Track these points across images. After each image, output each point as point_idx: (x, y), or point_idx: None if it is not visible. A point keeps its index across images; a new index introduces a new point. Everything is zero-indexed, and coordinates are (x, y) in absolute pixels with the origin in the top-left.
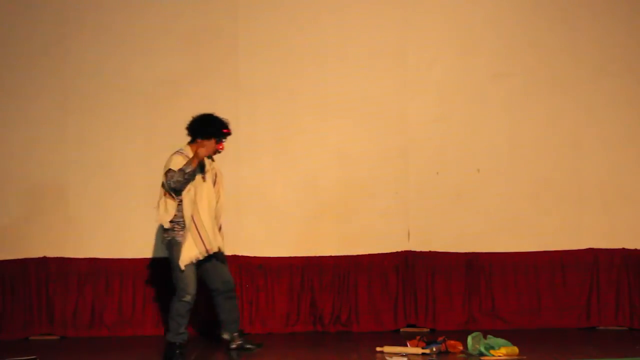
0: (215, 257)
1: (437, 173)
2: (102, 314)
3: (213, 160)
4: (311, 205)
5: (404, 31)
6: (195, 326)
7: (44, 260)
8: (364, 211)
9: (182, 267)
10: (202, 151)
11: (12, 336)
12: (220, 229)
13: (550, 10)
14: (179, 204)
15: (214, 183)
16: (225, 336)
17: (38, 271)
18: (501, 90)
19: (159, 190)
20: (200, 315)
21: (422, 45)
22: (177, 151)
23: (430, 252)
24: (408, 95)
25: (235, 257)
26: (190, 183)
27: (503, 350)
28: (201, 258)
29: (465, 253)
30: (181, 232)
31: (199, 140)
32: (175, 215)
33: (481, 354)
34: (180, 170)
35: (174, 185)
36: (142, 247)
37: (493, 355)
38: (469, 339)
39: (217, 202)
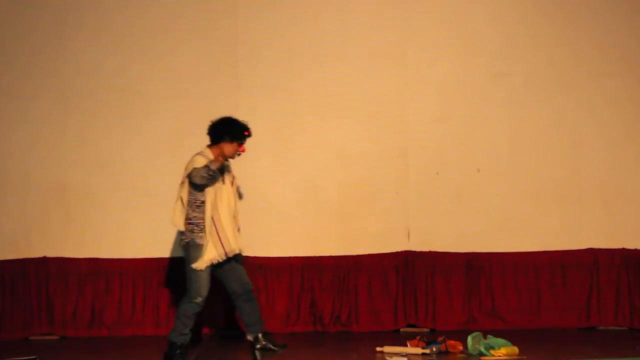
0: (234, 259)
1: (437, 173)
2: (102, 314)
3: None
4: (311, 205)
5: (404, 31)
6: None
7: (44, 260)
8: (364, 211)
9: (201, 268)
10: (229, 149)
11: (12, 336)
12: (238, 230)
13: (550, 10)
14: (199, 206)
15: (232, 184)
16: (250, 337)
17: (38, 271)
18: (501, 90)
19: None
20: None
21: (422, 45)
22: (198, 153)
23: (430, 252)
24: (408, 95)
25: None
26: (211, 186)
27: (503, 350)
28: (220, 261)
29: (465, 253)
30: (200, 234)
31: (220, 143)
32: (195, 217)
33: (481, 354)
34: (206, 166)
35: (200, 181)
36: (142, 247)
37: (493, 355)
38: (469, 339)
39: (235, 204)
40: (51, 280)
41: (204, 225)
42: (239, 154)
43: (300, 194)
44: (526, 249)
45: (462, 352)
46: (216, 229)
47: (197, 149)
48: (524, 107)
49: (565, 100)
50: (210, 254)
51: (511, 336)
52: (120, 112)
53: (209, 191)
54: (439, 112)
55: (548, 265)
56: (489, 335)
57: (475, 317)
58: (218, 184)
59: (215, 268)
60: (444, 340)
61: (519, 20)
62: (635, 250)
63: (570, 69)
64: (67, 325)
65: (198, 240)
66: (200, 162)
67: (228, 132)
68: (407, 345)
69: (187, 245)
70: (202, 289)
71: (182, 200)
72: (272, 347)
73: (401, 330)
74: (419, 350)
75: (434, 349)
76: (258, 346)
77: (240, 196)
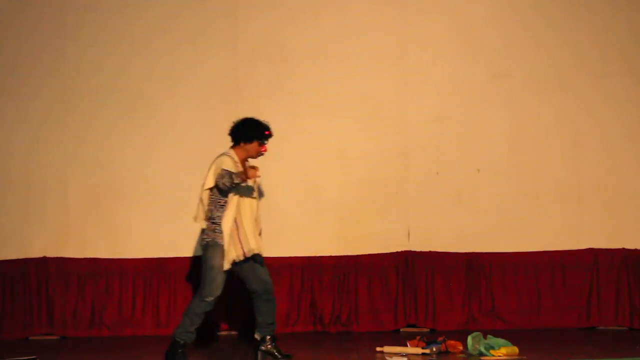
0: (254, 259)
1: (437, 173)
2: (102, 314)
3: (249, 161)
4: (311, 205)
5: (404, 31)
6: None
7: (44, 260)
8: (364, 211)
9: (226, 267)
10: (251, 149)
11: (12, 336)
12: (260, 232)
13: (550, 10)
14: (222, 206)
15: (253, 187)
16: (257, 336)
17: (38, 271)
18: (501, 90)
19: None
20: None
21: (422, 45)
22: (224, 153)
23: (430, 252)
24: (408, 95)
25: None
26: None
27: (503, 350)
28: (237, 260)
29: (465, 253)
30: (222, 235)
31: (242, 144)
32: (218, 216)
33: (481, 354)
34: (231, 175)
35: (221, 186)
36: (142, 247)
37: (493, 355)
38: (469, 339)
39: (257, 207)
40: (51, 280)
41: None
42: (261, 154)
43: (300, 194)
44: (526, 249)
45: (462, 352)
46: (237, 229)
47: (197, 148)
48: (524, 107)
49: (566, 100)
50: (229, 254)
51: (511, 336)
52: (120, 112)
53: (234, 192)
54: (439, 112)
55: (548, 265)
56: (489, 335)
57: (475, 317)
58: (242, 186)
59: (235, 267)
60: (444, 340)
61: (519, 20)
62: (635, 250)
63: (571, 69)
64: (67, 325)
65: (219, 241)
66: (227, 163)
67: (249, 132)
68: (407, 345)
69: (207, 245)
70: (216, 289)
71: (203, 199)
72: (277, 355)
73: (401, 330)
74: (419, 350)
75: (434, 349)
76: (263, 348)
77: (260, 194)
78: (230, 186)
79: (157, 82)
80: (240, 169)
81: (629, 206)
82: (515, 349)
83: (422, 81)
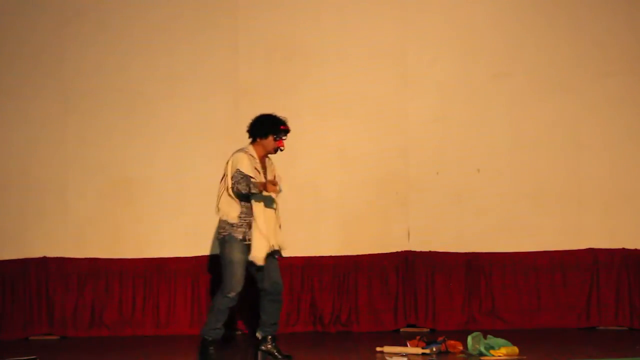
0: (271, 256)
1: (437, 173)
2: (102, 314)
3: (269, 158)
4: (311, 205)
5: (404, 31)
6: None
7: (44, 260)
8: (364, 211)
9: (261, 263)
10: (267, 144)
11: (12, 336)
12: (279, 227)
13: (551, 10)
14: (242, 201)
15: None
16: (259, 335)
17: (38, 271)
18: (501, 90)
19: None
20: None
21: (422, 45)
22: (242, 149)
23: (430, 252)
24: (408, 95)
25: None
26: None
27: (503, 350)
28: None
29: (465, 253)
30: (240, 229)
31: (258, 140)
32: (240, 211)
33: (481, 354)
34: (249, 183)
35: (236, 190)
36: (142, 247)
37: (493, 355)
38: (469, 339)
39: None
40: (51, 280)
41: (244, 221)
42: (279, 149)
43: (300, 194)
44: (526, 249)
45: (462, 352)
46: (257, 225)
47: (198, 149)
48: (524, 107)
49: (566, 100)
50: (253, 250)
51: (511, 336)
52: (121, 112)
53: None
54: (439, 112)
55: (548, 265)
56: (489, 335)
57: (475, 317)
58: (260, 180)
59: (250, 264)
60: (444, 340)
61: (519, 20)
62: (635, 250)
63: (571, 69)
64: (67, 325)
65: (235, 235)
66: (243, 160)
67: (263, 127)
68: (407, 345)
69: (224, 240)
70: (236, 284)
71: (226, 193)
72: (277, 355)
73: (401, 330)
74: (419, 350)
75: (434, 349)
76: (263, 347)
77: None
78: (247, 193)
79: (157, 82)
80: (258, 165)
81: (629, 206)
82: (515, 349)
83: (422, 81)
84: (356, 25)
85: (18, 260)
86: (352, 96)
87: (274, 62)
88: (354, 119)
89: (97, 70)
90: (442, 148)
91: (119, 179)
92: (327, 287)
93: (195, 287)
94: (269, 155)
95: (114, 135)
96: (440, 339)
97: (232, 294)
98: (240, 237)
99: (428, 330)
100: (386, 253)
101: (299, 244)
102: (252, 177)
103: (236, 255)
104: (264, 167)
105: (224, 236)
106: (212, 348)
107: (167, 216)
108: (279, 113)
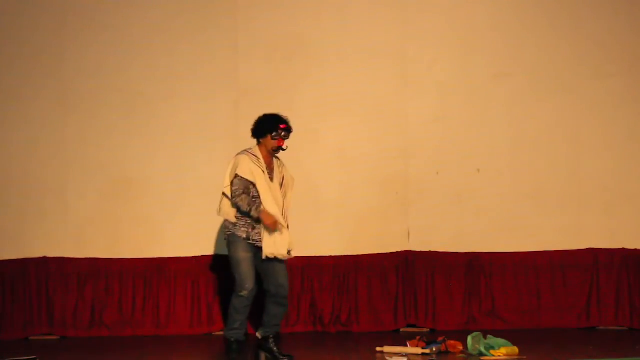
0: (277, 259)
1: (437, 173)
2: (102, 314)
3: (279, 160)
4: (311, 205)
5: (404, 31)
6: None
7: (44, 260)
8: (364, 211)
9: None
10: (268, 144)
11: (12, 336)
12: (287, 227)
13: (551, 10)
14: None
15: (281, 185)
16: (259, 335)
17: (38, 271)
18: (501, 90)
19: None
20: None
21: (422, 45)
22: (245, 151)
23: (430, 252)
24: (408, 95)
25: None
26: (258, 184)
27: (503, 350)
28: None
29: (465, 253)
30: (243, 229)
31: (261, 140)
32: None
33: (481, 354)
34: (250, 205)
35: (233, 202)
36: (142, 247)
37: (493, 355)
38: (469, 339)
39: (283, 203)
40: (51, 280)
41: (245, 220)
42: (280, 149)
43: (300, 194)
44: (526, 249)
45: (462, 352)
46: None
47: (198, 149)
48: (524, 107)
49: (566, 100)
50: (279, 249)
51: (511, 336)
52: (121, 112)
53: (259, 189)
54: (439, 112)
55: (548, 265)
56: (489, 335)
57: (475, 317)
58: (266, 181)
59: (258, 263)
60: (444, 340)
61: (520, 20)
62: (635, 250)
63: (571, 69)
64: (67, 325)
65: (238, 234)
66: (243, 163)
67: (262, 127)
68: (407, 345)
69: (228, 239)
70: (246, 282)
71: (225, 194)
72: (277, 355)
73: (401, 330)
74: (419, 350)
75: (434, 349)
76: (264, 347)
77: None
78: (245, 211)
79: (157, 82)
80: (263, 166)
81: (629, 206)
82: (515, 349)
83: (422, 81)
84: (356, 25)
85: (18, 260)
86: (352, 96)
87: (274, 62)
88: (354, 119)
89: (97, 70)
90: (442, 148)
91: (119, 179)
92: (327, 287)
93: (195, 287)
94: (277, 156)
95: (114, 135)
96: (440, 339)
97: (245, 292)
98: (244, 235)
99: (428, 330)
100: (386, 253)
101: (299, 244)
102: (258, 199)
103: (240, 253)
104: (271, 168)
105: (228, 236)
106: (235, 347)
107: (167, 216)
108: (279, 113)
